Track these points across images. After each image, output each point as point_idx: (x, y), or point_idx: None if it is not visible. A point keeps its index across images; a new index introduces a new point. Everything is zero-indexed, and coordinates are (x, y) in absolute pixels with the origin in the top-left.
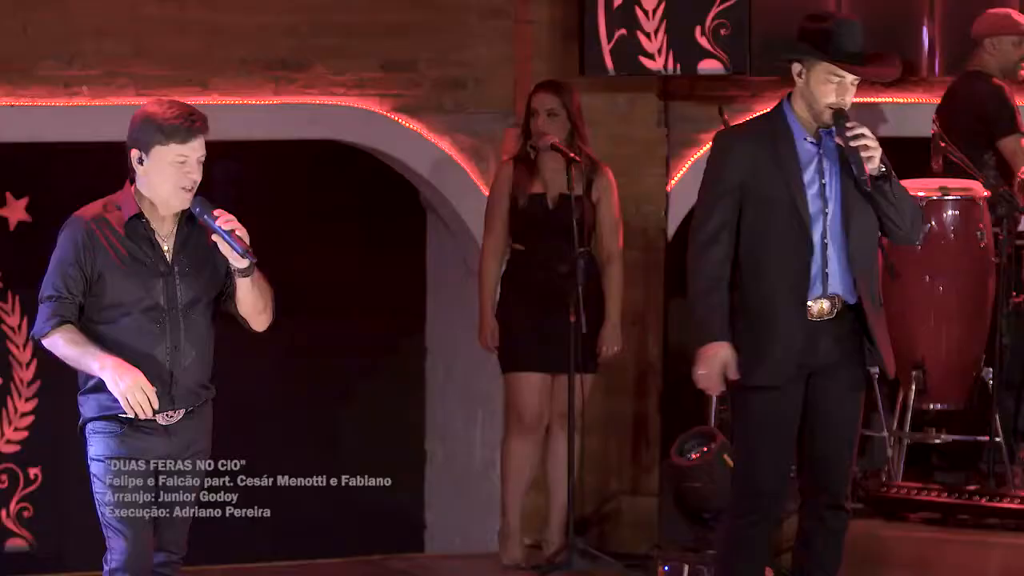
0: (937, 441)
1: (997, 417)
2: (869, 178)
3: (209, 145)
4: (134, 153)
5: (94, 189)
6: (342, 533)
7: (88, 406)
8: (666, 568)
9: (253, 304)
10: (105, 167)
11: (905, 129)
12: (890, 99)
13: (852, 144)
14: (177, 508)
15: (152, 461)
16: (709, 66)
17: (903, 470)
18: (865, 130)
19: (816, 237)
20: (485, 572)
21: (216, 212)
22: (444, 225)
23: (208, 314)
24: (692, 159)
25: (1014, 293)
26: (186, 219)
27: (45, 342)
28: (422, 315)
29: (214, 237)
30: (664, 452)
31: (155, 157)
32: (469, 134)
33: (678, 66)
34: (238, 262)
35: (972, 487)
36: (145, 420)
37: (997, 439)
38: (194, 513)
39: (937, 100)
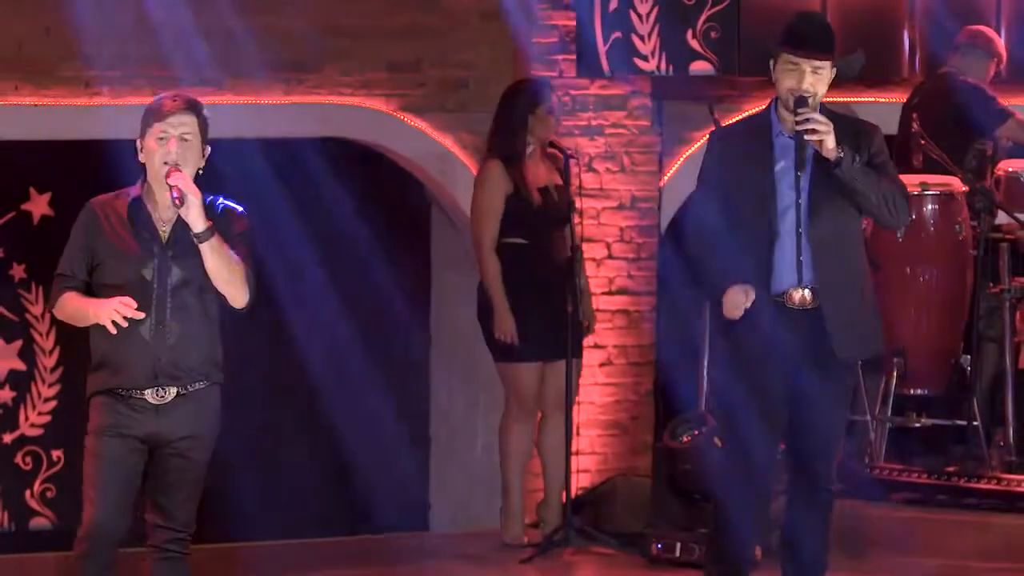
0: (918, 425)
1: (975, 402)
2: (830, 163)
3: (224, 142)
4: (138, 144)
5: (114, 184)
6: (350, 513)
7: (91, 383)
8: (659, 545)
9: (217, 272)
10: (123, 163)
11: (886, 129)
12: (872, 99)
13: (798, 128)
14: (174, 490)
15: (142, 440)
16: (700, 67)
17: (885, 452)
18: (815, 115)
19: (787, 227)
20: (487, 550)
21: (170, 169)
22: (447, 218)
23: (204, 299)
24: (684, 156)
25: (991, 284)
26: None
27: (55, 312)
28: (427, 305)
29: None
30: (657, 436)
31: (146, 140)
32: (471, 132)
33: (670, 67)
34: (190, 220)
35: (951, 469)
36: (138, 398)
37: (975, 423)
38: (198, 494)
39: None
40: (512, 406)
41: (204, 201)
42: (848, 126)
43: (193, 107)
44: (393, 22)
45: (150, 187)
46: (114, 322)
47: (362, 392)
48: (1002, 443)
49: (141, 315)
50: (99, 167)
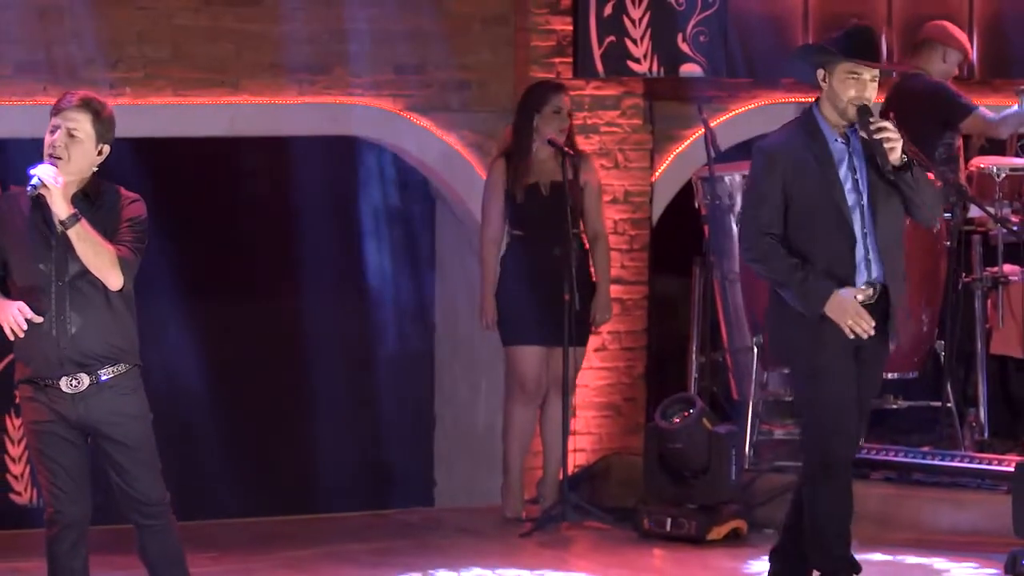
0: (895, 407)
1: (949, 385)
2: (893, 167)
3: (242, 140)
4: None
5: (135, 180)
6: (360, 489)
7: (16, 372)
8: (650, 520)
9: (84, 256)
10: (144, 159)
11: None
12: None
13: (876, 137)
14: (123, 471)
15: (72, 426)
16: (689, 69)
17: (865, 433)
18: (887, 123)
19: (856, 228)
20: (488, 524)
21: (47, 160)
22: (451, 212)
23: (103, 287)
24: (674, 153)
25: (963, 274)
26: (81, 197)
27: None
28: (432, 292)
29: None
30: (649, 416)
31: (45, 132)
32: (473, 131)
33: (662, 69)
34: (53, 209)
35: (926, 448)
36: (54, 387)
37: (949, 405)
38: (154, 471)
39: None
40: (514, 388)
41: (99, 189)
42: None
43: (88, 105)
44: (400, 27)
45: None
46: (14, 323)
47: (372, 376)
48: (974, 423)
49: (39, 319)
50: (122, 163)
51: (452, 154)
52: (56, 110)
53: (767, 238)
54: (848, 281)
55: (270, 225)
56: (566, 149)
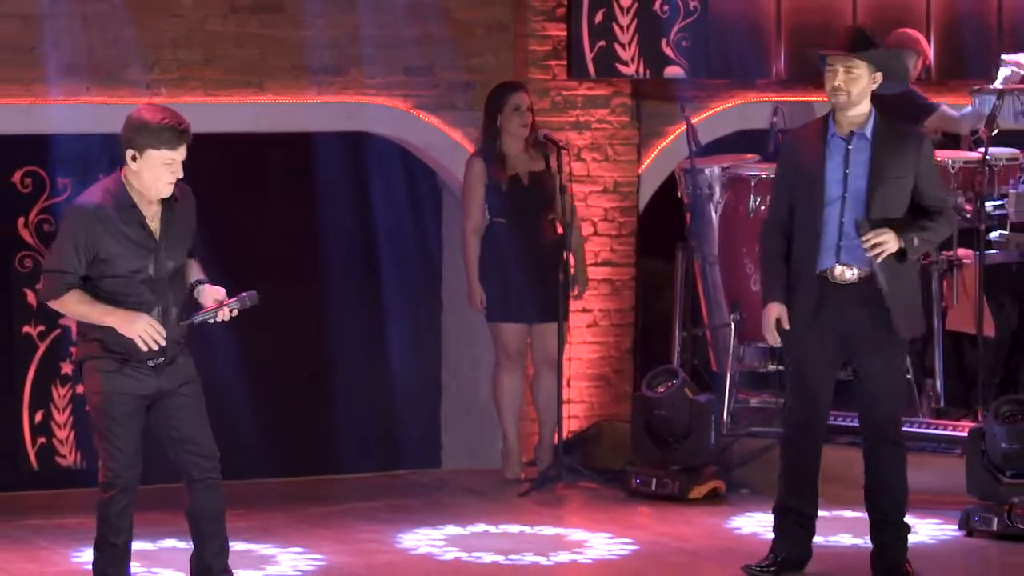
0: None
1: (908, 358)
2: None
3: (267, 136)
4: (128, 152)
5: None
6: (374, 452)
7: (90, 346)
8: (637, 480)
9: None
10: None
11: None
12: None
13: (868, 255)
14: (187, 424)
15: (145, 397)
16: (673, 71)
17: (833, 401)
18: (874, 235)
19: (832, 215)
20: (490, 485)
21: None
22: (456, 200)
23: (181, 280)
24: (659, 147)
25: (922, 257)
26: (166, 202)
27: (54, 304)
28: (439, 273)
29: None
30: (636, 386)
31: (148, 158)
32: (477, 127)
33: (648, 71)
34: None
35: None
36: (137, 361)
37: (908, 376)
38: (208, 428)
39: None
40: (501, 359)
41: (183, 190)
42: (898, 131)
43: (191, 133)
44: (410, 33)
45: (131, 185)
46: (149, 338)
47: (385, 349)
48: (931, 393)
49: (163, 342)
50: None
51: (457, 148)
52: (172, 146)
53: (772, 223)
54: (811, 267)
55: (292, 212)
56: (561, 143)
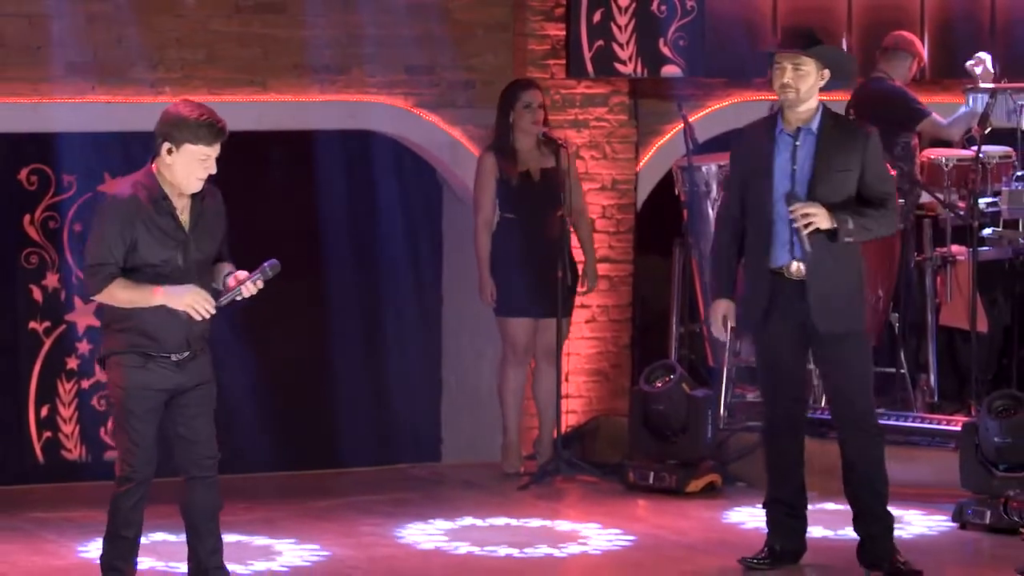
0: None
1: (902, 353)
2: (828, 238)
3: (269, 134)
4: (164, 145)
5: None
6: (373, 446)
7: (115, 340)
8: (635, 474)
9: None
10: None
11: None
12: (824, 98)
13: (794, 225)
14: (198, 423)
15: (164, 391)
16: (670, 71)
17: (824, 396)
18: (804, 206)
19: (782, 211)
20: (490, 478)
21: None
22: (456, 197)
23: (207, 274)
24: (656, 145)
25: (916, 253)
26: (195, 198)
27: (100, 297)
28: (439, 268)
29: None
30: (634, 381)
31: (184, 152)
32: (477, 125)
33: (645, 70)
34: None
35: (882, 409)
36: (163, 357)
37: (903, 371)
38: (214, 427)
39: None
40: (507, 354)
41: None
42: (845, 126)
43: (227, 130)
44: (411, 32)
45: (163, 177)
46: (200, 308)
47: (386, 343)
48: (925, 388)
49: (213, 311)
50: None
51: (457, 146)
52: (209, 142)
53: (723, 219)
54: (765, 257)
55: (296, 209)
56: (560, 140)
